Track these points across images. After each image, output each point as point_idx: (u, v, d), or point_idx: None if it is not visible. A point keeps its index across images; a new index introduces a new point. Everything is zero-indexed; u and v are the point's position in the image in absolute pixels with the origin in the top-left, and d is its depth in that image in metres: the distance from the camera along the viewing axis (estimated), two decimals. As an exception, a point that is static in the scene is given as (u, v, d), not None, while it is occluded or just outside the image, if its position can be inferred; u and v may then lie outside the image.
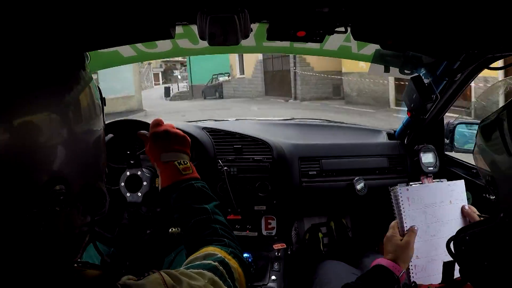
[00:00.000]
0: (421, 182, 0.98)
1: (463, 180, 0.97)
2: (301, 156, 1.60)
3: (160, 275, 0.54)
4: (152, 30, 0.90)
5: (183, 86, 25.83)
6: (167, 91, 17.07)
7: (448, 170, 1.51)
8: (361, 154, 1.64)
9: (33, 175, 0.44)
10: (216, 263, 0.62)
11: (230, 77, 20.10)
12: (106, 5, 0.76)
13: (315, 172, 1.58)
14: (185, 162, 0.86)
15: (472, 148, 1.58)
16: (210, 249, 0.67)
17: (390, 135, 1.79)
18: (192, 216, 0.75)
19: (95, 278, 0.50)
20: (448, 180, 1.00)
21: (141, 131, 0.96)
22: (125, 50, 1.43)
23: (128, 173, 1.18)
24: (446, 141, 1.55)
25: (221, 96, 19.60)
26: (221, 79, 20.58)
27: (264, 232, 1.58)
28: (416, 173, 1.55)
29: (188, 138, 0.93)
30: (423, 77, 1.30)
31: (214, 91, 20.22)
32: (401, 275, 0.83)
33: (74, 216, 0.50)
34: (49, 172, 0.46)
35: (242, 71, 18.73)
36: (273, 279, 1.36)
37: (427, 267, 0.89)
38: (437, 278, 0.87)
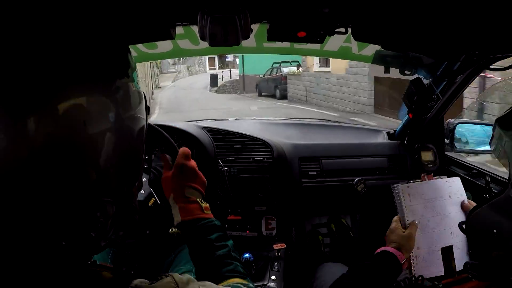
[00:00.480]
0: (421, 180, 1.02)
1: (459, 178, 1.02)
2: (301, 156, 1.60)
3: (172, 278, 0.54)
4: (152, 30, 0.90)
5: (237, 74, 18.73)
6: (213, 80, 13.85)
7: (448, 170, 1.51)
8: (361, 154, 1.64)
9: (78, 198, 0.44)
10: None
11: (301, 69, 13.00)
12: (106, 5, 0.76)
13: (315, 172, 1.58)
14: (206, 202, 0.86)
15: (472, 148, 1.59)
16: (237, 280, 0.68)
17: (390, 135, 1.79)
18: (214, 250, 0.75)
19: (109, 280, 0.51)
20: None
21: (167, 155, 0.94)
22: (125, 51, 1.43)
23: None
24: (446, 141, 1.56)
25: (283, 96, 13.37)
26: (285, 70, 13.66)
27: (264, 233, 1.58)
28: (416, 172, 1.55)
29: (206, 182, 0.93)
30: (423, 78, 1.31)
31: (274, 87, 13.90)
32: (403, 263, 0.87)
33: (108, 230, 0.51)
34: (94, 194, 0.46)
35: (325, 62, 11.18)
36: (273, 279, 1.36)
37: (428, 258, 0.93)
38: (437, 268, 0.92)
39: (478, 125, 1.56)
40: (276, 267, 1.42)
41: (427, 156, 1.39)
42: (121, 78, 0.52)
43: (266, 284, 1.34)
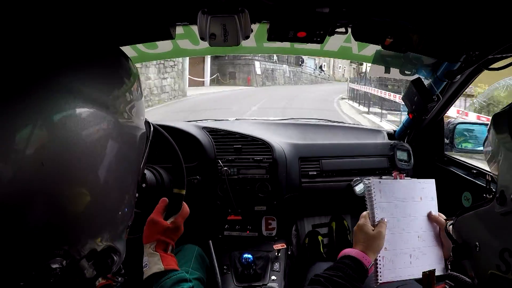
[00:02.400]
0: (393, 178, 1.00)
1: (433, 180, 0.99)
2: (301, 156, 1.60)
3: None
4: (152, 30, 0.90)
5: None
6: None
7: (448, 170, 1.51)
8: (361, 154, 1.64)
9: (35, 240, 0.43)
10: None
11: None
12: (106, 6, 0.76)
13: (315, 172, 1.58)
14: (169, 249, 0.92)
15: (472, 148, 1.59)
16: None
17: (390, 135, 1.79)
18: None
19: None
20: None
21: (166, 200, 0.96)
22: (126, 51, 1.42)
23: None
24: (446, 141, 1.56)
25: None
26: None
27: (265, 233, 1.58)
28: (416, 172, 1.56)
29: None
30: (423, 78, 1.31)
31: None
32: (370, 267, 0.82)
33: (75, 275, 0.50)
34: (53, 242, 0.45)
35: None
36: (273, 279, 1.36)
37: (395, 259, 0.90)
38: (403, 272, 0.89)
39: (478, 125, 1.56)
40: (276, 267, 1.41)
41: (402, 155, 1.41)
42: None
43: (266, 284, 1.34)
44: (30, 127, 0.40)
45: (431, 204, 0.97)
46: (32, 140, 0.40)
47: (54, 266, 0.44)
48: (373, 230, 0.87)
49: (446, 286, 0.78)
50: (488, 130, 0.62)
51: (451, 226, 0.74)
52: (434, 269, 0.83)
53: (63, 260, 0.46)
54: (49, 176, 0.41)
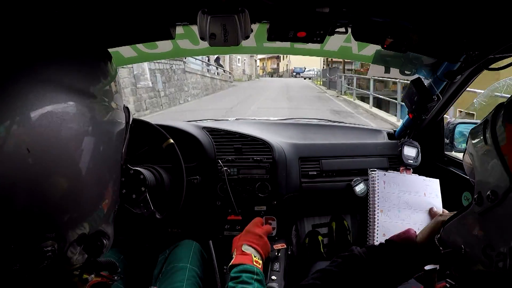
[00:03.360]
0: (399, 172, 1.01)
1: (438, 180, 1.00)
2: (301, 156, 1.60)
3: None
4: (152, 30, 0.90)
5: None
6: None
7: (448, 170, 1.51)
8: (361, 154, 1.64)
9: (27, 224, 0.45)
10: None
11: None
12: (106, 6, 0.76)
13: (315, 173, 1.58)
14: (261, 261, 1.04)
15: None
16: None
17: (390, 135, 1.79)
18: (243, 284, 0.90)
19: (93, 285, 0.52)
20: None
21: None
22: (126, 51, 1.43)
23: (131, 172, 1.17)
24: (446, 141, 1.56)
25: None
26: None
27: (264, 232, 1.58)
28: (416, 172, 1.56)
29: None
30: (423, 78, 1.31)
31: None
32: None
33: (69, 256, 0.51)
34: (44, 222, 0.46)
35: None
36: (273, 279, 1.35)
37: None
38: None
39: (478, 125, 1.56)
40: (276, 267, 1.41)
41: (410, 151, 1.42)
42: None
43: (266, 284, 1.33)
44: (10, 118, 0.42)
45: (435, 200, 0.98)
46: (13, 130, 0.42)
47: (46, 248, 0.46)
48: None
49: (447, 285, 0.78)
50: (466, 142, 0.66)
51: (437, 239, 0.75)
52: (436, 267, 0.83)
53: (55, 243, 0.47)
54: (32, 164, 0.43)
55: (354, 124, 2.14)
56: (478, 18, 0.82)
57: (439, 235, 0.75)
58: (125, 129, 0.65)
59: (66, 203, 0.48)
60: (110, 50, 1.34)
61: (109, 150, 0.57)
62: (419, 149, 1.32)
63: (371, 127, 2.00)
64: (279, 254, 1.46)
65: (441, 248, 0.72)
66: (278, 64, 59.84)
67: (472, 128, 0.65)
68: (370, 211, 0.93)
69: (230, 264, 0.98)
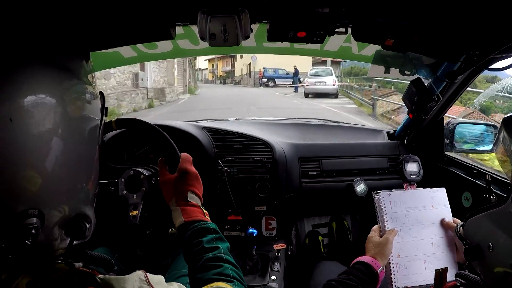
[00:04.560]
0: (404, 190, 1.03)
1: (444, 188, 1.01)
2: (301, 156, 1.60)
3: (144, 272, 0.55)
4: (152, 30, 0.90)
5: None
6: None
7: (448, 170, 1.51)
8: (361, 154, 1.64)
9: (9, 200, 0.46)
10: None
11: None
12: (106, 6, 0.76)
13: (315, 173, 1.58)
14: (205, 208, 0.88)
15: (472, 148, 1.59)
16: (220, 284, 0.67)
17: (390, 135, 1.79)
18: (205, 252, 0.75)
19: (72, 270, 0.52)
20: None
21: (162, 158, 0.96)
22: (126, 51, 1.44)
23: (131, 172, 1.18)
24: (446, 141, 1.56)
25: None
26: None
27: (265, 233, 1.58)
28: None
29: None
30: (423, 78, 1.31)
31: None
32: (380, 271, 0.87)
33: (51, 239, 0.52)
34: (25, 201, 0.46)
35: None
36: (273, 279, 1.35)
37: (409, 266, 0.93)
38: (418, 277, 0.92)
39: (478, 125, 1.56)
40: (276, 267, 1.41)
41: (411, 167, 1.42)
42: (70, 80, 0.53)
43: (266, 284, 1.33)
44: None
45: (443, 211, 0.99)
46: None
47: (30, 226, 0.46)
48: (380, 239, 0.93)
49: (457, 283, 0.78)
50: (499, 133, 0.63)
51: (461, 228, 0.75)
52: (447, 267, 0.84)
53: (38, 220, 0.48)
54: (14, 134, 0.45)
55: (354, 124, 2.14)
56: (478, 18, 0.82)
57: (461, 227, 0.75)
58: (100, 115, 0.64)
59: (46, 183, 0.49)
60: (110, 50, 1.35)
61: (84, 134, 0.57)
62: (420, 162, 1.33)
63: (371, 127, 2.00)
64: (279, 254, 1.46)
65: (464, 242, 0.71)
66: (233, 65, 36.47)
67: (506, 118, 0.61)
68: (382, 234, 0.95)
69: (184, 222, 0.81)
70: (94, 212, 0.62)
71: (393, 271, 0.92)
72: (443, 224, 0.98)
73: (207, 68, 47.23)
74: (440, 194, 1.01)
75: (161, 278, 0.57)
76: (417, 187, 1.18)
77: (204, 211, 0.86)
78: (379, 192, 0.97)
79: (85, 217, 0.58)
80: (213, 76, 44.54)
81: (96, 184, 0.64)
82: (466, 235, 0.72)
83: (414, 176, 1.33)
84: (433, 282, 0.89)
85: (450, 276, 0.84)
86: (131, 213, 1.08)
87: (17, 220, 0.46)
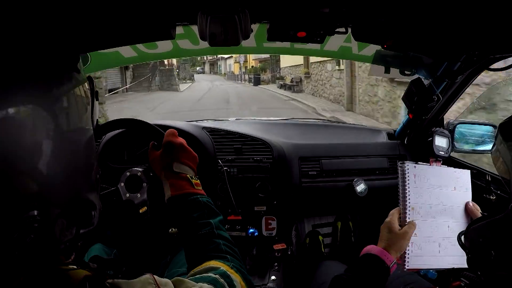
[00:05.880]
0: (429, 164, 0.97)
1: (469, 171, 0.97)
2: (301, 156, 1.60)
3: (152, 276, 0.54)
4: (152, 30, 0.90)
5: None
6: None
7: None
8: (361, 154, 1.64)
9: (7, 194, 0.43)
10: (217, 276, 0.62)
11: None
12: (106, 6, 0.76)
13: (315, 172, 1.58)
14: (197, 178, 0.86)
15: (472, 148, 1.59)
16: (212, 263, 0.67)
17: (390, 135, 1.79)
18: (196, 229, 0.74)
19: (85, 277, 0.50)
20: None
21: (153, 142, 0.97)
22: (126, 51, 1.44)
23: (128, 174, 1.18)
24: (446, 141, 1.55)
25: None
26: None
27: (265, 233, 1.58)
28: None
29: (197, 158, 0.93)
30: (423, 78, 1.31)
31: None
32: (392, 265, 0.81)
33: (56, 231, 0.50)
34: (26, 193, 0.45)
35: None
36: (273, 279, 1.36)
37: (423, 246, 0.89)
38: (430, 260, 0.88)
39: (478, 125, 1.56)
40: (276, 267, 1.41)
41: (441, 141, 1.35)
42: (60, 90, 0.51)
43: (266, 284, 1.34)
44: None
45: (465, 194, 0.95)
46: None
47: (31, 219, 0.44)
48: (399, 230, 0.85)
49: (461, 284, 0.78)
50: (495, 138, 0.63)
51: (463, 237, 0.74)
52: (453, 268, 0.82)
53: (39, 212, 0.45)
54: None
55: (354, 124, 2.14)
56: (478, 18, 0.82)
57: (463, 235, 0.73)
58: (91, 105, 0.62)
59: (43, 178, 0.47)
60: (110, 50, 1.35)
61: (78, 122, 0.54)
62: (450, 139, 1.26)
63: (371, 127, 2.01)
64: (279, 254, 1.47)
65: (467, 251, 0.70)
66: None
67: (501, 125, 0.60)
68: (400, 207, 0.89)
69: (171, 196, 0.80)
70: (99, 199, 0.61)
71: (408, 250, 0.86)
72: (467, 207, 0.92)
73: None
74: (464, 176, 0.96)
75: (168, 281, 0.56)
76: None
77: (193, 181, 0.84)
78: (404, 162, 0.92)
79: (90, 203, 0.56)
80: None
81: (97, 169, 0.62)
82: (468, 244, 0.72)
83: (443, 153, 1.27)
84: (443, 267, 0.87)
85: (463, 263, 0.81)
86: (141, 210, 1.08)
87: (17, 214, 0.44)
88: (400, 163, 0.91)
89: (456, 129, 1.52)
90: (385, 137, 1.79)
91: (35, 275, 0.47)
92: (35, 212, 0.45)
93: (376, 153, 1.65)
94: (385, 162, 1.62)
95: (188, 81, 33.42)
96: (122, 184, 1.12)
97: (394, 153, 1.65)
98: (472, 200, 0.97)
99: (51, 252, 0.50)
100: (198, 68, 62.82)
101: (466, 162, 1.49)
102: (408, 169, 0.90)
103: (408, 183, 0.89)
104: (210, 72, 59.20)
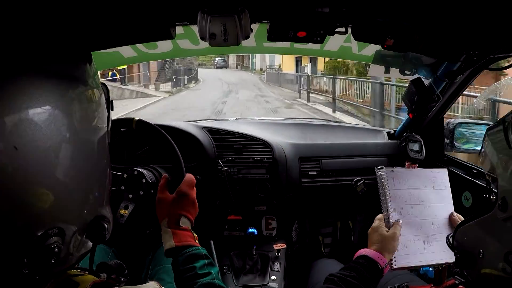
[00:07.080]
0: (406, 168, 1.01)
1: (446, 169, 1.00)
2: (301, 156, 1.60)
3: (158, 283, 0.55)
4: (152, 30, 0.90)
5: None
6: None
7: (448, 170, 1.51)
8: (361, 154, 1.64)
9: (26, 226, 0.44)
10: None
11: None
12: (107, 6, 0.76)
13: (315, 172, 1.58)
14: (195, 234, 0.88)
15: (472, 148, 1.59)
16: None
17: (390, 135, 1.79)
18: (198, 278, 0.75)
19: (94, 284, 0.51)
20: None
21: (167, 175, 0.94)
22: (126, 51, 1.44)
23: (128, 173, 1.18)
24: (446, 141, 1.56)
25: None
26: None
27: (265, 233, 1.58)
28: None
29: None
30: (423, 78, 1.31)
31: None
32: (385, 267, 0.82)
33: (71, 248, 0.51)
34: (42, 221, 0.45)
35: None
36: (273, 279, 1.36)
37: (409, 245, 0.91)
38: (417, 258, 0.90)
39: (478, 125, 1.56)
40: (276, 267, 1.41)
41: (414, 146, 1.41)
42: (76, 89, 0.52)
43: (266, 284, 1.34)
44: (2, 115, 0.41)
45: (444, 192, 0.98)
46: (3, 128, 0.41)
47: (52, 246, 0.46)
48: (387, 232, 0.88)
49: (456, 282, 0.78)
50: (483, 141, 0.64)
51: (451, 238, 0.75)
52: (446, 265, 0.83)
53: (60, 238, 0.47)
54: (20, 163, 0.43)
55: (354, 124, 2.14)
56: (479, 18, 0.82)
57: (451, 235, 0.74)
58: (106, 115, 0.64)
59: (60, 196, 0.48)
60: (110, 50, 1.35)
61: (93, 127, 0.56)
62: (422, 143, 1.32)
63: (371, 127, 2.00)
64: (279, 254, 1.47)
65: (456, 251, 0.71)
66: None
67: (489, 129, 0.61)
68: (384, 212, 0.93)
69: (175, 246, 0.81)
70: (110, 210, 0.62)
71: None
72: (451, 219, 0.95)
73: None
74: (441, 175, 1.00)
75: None
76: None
77: (195, 235, 0.86)
78: (382, 168, 0.95)
79: (103, 218, 0.58)
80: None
81: (110, 184, 0.63)
82: (457, 244, 0.72)
83: (417, 155, 1.32)
84: (430, 263, 0.89)
85: (450, 258, 0.85)
86: (121, 211, 1.07)
87: (38, 243, 0.45)
88: (378, 169, 0.96)
89: (456, 129, 1.52)
90: (385, 137, 1.79)
91: (46, 283, 0.48)
92: (55, 238, 0.46)
93: (376, 153, 1.65)
94: (385, 162, 1.62)
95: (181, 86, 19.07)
96: (125, 175, 1.13)
97: (394, 153, 1.65)
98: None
99: (66, 267, 0.52)
100: (217, 59, 39.95)
101: (466, 162, 1.49)
102: (386, 173, 0.93)
103: (388, 187, 0.93)
104: (237, 67, 39.30)
